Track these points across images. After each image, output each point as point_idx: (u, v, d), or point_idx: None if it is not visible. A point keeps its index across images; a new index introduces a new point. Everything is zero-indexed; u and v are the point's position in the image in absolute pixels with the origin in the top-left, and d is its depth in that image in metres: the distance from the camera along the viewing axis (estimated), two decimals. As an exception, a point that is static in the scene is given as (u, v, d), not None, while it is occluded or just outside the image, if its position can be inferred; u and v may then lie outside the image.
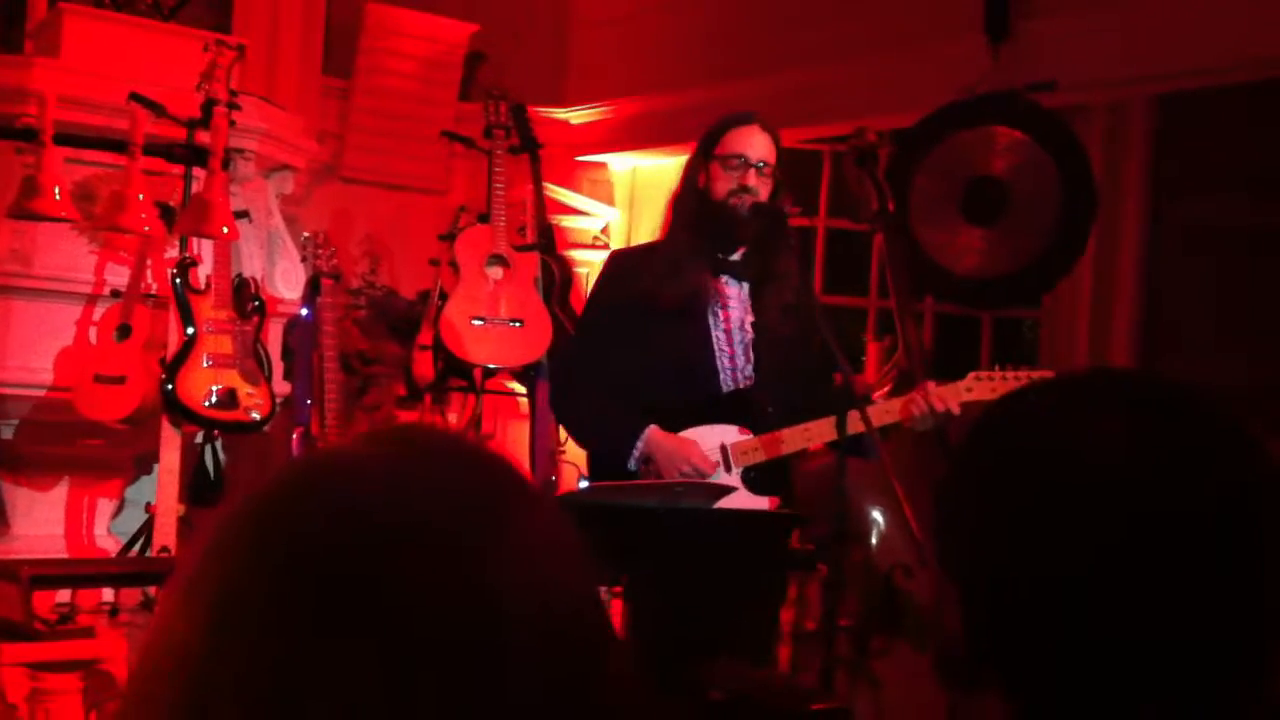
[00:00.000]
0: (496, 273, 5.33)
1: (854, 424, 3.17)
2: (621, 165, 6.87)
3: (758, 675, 3.20)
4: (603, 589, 2.96)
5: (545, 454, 5.62)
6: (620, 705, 0.71)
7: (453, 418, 6.02)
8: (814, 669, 3.21)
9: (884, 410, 3.26)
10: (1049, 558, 0.92)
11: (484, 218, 5.51)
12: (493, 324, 5.24)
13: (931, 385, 3.31)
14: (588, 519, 2.42)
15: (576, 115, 6.87)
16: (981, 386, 3.37)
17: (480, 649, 0.64)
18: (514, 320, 5.25)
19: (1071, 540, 0.91)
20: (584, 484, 3.33)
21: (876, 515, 3.90)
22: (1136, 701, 0.89)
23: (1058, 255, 4.53)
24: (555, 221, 6.30)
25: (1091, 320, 5.08)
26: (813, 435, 3.30)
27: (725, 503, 3.14)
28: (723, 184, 3.36)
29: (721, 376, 3.36)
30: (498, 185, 5.44)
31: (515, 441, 6.15)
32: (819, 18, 5.67)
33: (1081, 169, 4.51)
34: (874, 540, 3.89)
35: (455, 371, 5.57)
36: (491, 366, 5.37)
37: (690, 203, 3.43)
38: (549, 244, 5.92)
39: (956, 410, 3.31)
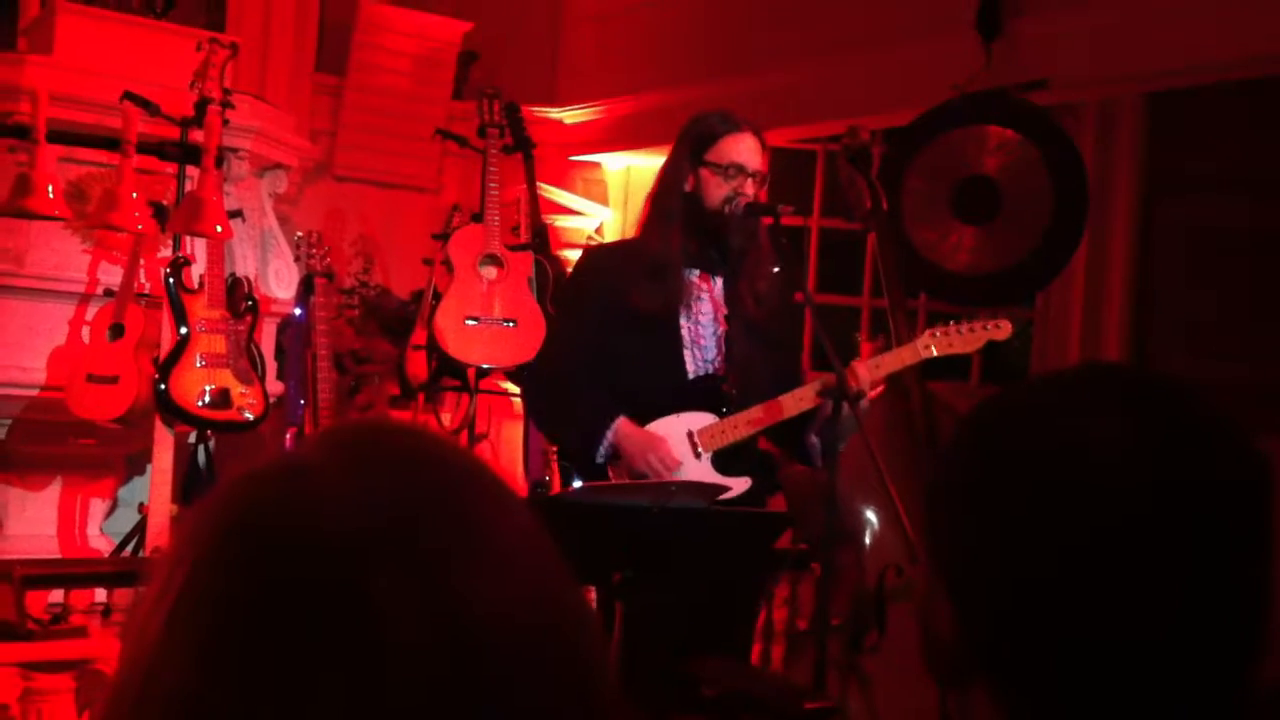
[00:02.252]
0: (490, 272, 5.33)
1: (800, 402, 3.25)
2: (615, 165, 6.87)
3: (751, 674, 3.21)
4: (593, 588, 2.97)
5: (539, 454, 5.63)
6: (604, 707, 0.70)
7: (446, 418, 6.02)
8: (806, 668, 3.21)
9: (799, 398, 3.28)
10: (1043, 557, 0.92)
11: (477, 217, 5.51)
12: (486, 324, 5.24)
13: (856, 364, 3.31)
14: (581, 518, 2.42)
15: (570, 114, 6.87)
16: (939, 342, 3.38)
17: (451, 655, 0.64)
18: (508, 320, 5.25)
19: (1067, 540, 0.91)
20: (577, 484, 3.32)
21: (869, 514, 3.90)
22: (1130, 699, 0.89)
23: (1050, 253, 4.54)
24: (549, 221, 6.30)
25: (1084, 318, 5.08)
26: (801, 400, 3.30)
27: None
28: (717, 192, 3.32)
29: (691, 370, 3.36)
30: (491, 184, 5.45)
31: (509, 441, 6.16)
32: (812, 16, 5.67)
33: (1073, 167, 4.52)
34: (866, 540, 3.89)
35: (449, 371, 5.57)
36: (485, 366, 5.37)
37: (676, 205, 3.37)
38: (543, 244, 5.92)
39: (866, 385, 3.31)
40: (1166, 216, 5.06)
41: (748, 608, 3.52)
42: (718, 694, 2.87)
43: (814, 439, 3.39)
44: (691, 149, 3.39)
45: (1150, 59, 4.64)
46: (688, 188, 3.37)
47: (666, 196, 3.41)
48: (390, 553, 0.65)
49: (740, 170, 3.32)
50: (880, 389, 3.68)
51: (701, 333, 3.37)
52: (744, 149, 3.35)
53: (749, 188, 3.33)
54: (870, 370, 3.34)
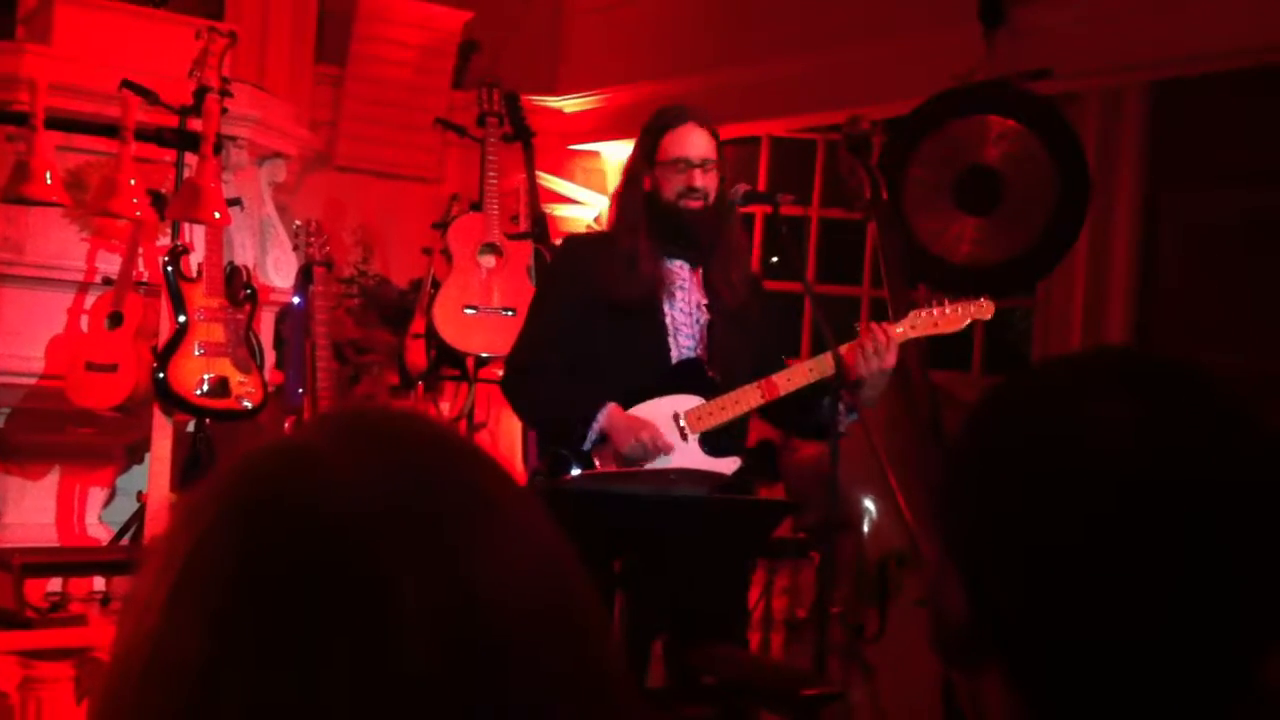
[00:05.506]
0: (489, 261, 5.33)
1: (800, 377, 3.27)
2: (614, 154, 6.86)
3: (751, 661, 3.21)
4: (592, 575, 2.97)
5: (537, 443, 5.62)
6: (614, 694, 0.70)
7: (445, 406, 6.01)
8: (806, 655, 3.21)
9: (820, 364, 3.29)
10: (1037, 543, 0.91)
11: (477, 206, 5.50)
12: (485, 312, 5.23)
13: (873, 325, 3.32)
14: (580, 506, 2.42)
15: (569, 104, 6.86)
16: (924, 322, 3.40)
17: (457, 628, 0.63)
18: (506, 309, 5.25)
19: (1061, 526, 0.90)
20: (575, 471, 3.32)
21: (869, 503, 3.91)
22: (1122, 696, 0.89)
23: (1051, 244, 4.53)
24: (548, 210, 6.30)
25: (1085, 308, 5.08)
26: (796, 377, 3.31)
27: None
28: (669, 186, 3.38)
29: (675, 355, 3.38)
30: (491, 174, 5.44)
31: (508, 431, 6.15)
32: (812, 5, 5.67)
33: (1075, 157, 4.51)
34: (866, 528, 3.90)
35: (448, 360, 5.57)
36: (484, 355, 5.37)
37: (638, 205, 3.44)
38: (542, 232, 5.92)
39: (897, 338, 3.33)
40: (1169, 206, 5.05)
41: (741, 596, 3.53)
42: (718, 681, 2.87)
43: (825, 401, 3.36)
44: (643, 149, 3.46)
45: (1153, 48, 4.63)
46: (646, 187, 3.43)
47: (627, 193, 3.49)
48: (394, 525, 0.65)
49: (687, 163, 3.37)
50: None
51: (683, 320, 3.41)
52: (685, 141, 3.40)
53: (698, 178, 3.37)
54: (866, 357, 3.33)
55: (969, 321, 3.45)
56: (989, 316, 3.46)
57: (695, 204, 3.36)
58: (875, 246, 4.63)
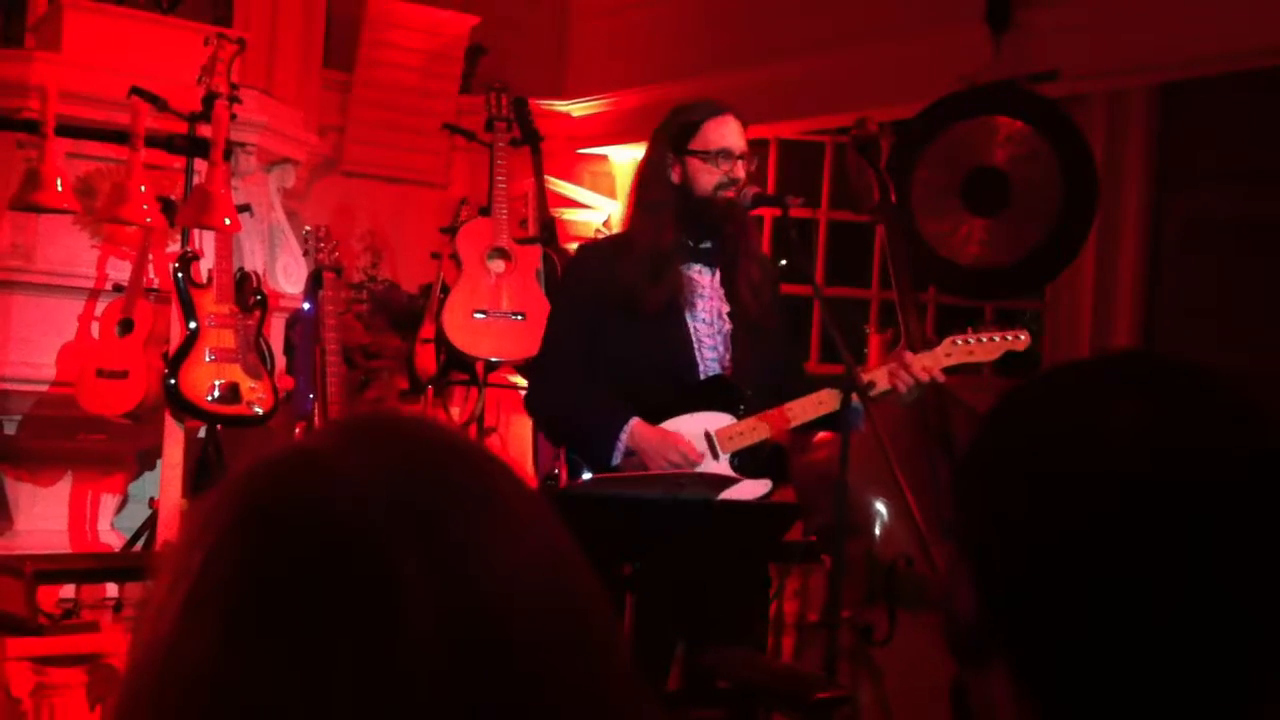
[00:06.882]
0: (498, 266, 5.34)
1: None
2: (622, 157, 6.87)
3: (763, 664, 3.21)
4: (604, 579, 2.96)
5: (548, 447, 5.62)
6: (620, 693, 0.70)
7: (455, 411, 6.02)
8: (817, 659, 3.21)
9: (874, 378, 3.27)
10: (1047, 543, 0.91)
11: (485, 211, 5.51)
12: (495, 317, 5.24)
13: (910, 355, 3.30)
14: (591, 510, 2.41)
15: (577, 108, 6.87)
16: (959, 351, 3.37)
17: (466, 627, 0.64)
18: (516, 313, 5.26)
19: (1071, 525, 0.90)
20: (587, 475, 3.31)
21: (879, 506, 3.90)
22: (1138, 691, 0.89)
23: (1059, 245, 4.53)
24: (557, 214, 6.30)
25: (1094, 310, 5.07)
26: (807, 409, 3.28)
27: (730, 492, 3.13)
28: (707, 178, 3.28)
29: (701, 369, 3.32)
30: (499, 178, 5.45)
31: (518, 435, 6.16)
32: (820, 7, 5.67)
33: (1083, 159, 4.51)
34: (876, 531, 3.89)
35: (457, 365, 5.58)
36: (494, 360, 5.38)
37: (666, 198, 3.33)
38: (551, 237, 5.92)
39: (941, 378, 3.32)
40: (1176, 207, 5.05)
41: (760, 599, 3.51)
42: (730, 685, 2.87)
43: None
44: (674, 139, 3.35)
45: (1159, 50, 4.63)
46: (675, 179, 3.33)
47: (653, 189, 3.36)
48: (400, 525, 0.66)
49: (728, 155, 3.31)
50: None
51: (706, 331, 3.34)
52: (728, 132, 3.32)
53: (739, 170, 3.31)
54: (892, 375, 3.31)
55: (1004, 352, 3.42)
56: (1024, 348, 3.42)
57: (730, 194, 3.28)
58: (884, 249, 4.63)
